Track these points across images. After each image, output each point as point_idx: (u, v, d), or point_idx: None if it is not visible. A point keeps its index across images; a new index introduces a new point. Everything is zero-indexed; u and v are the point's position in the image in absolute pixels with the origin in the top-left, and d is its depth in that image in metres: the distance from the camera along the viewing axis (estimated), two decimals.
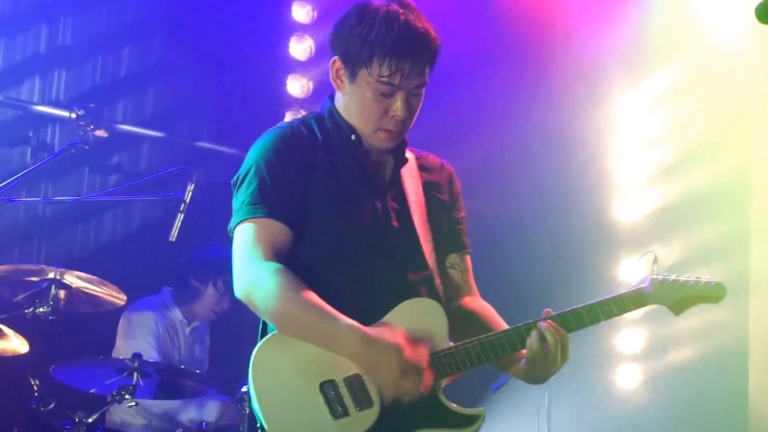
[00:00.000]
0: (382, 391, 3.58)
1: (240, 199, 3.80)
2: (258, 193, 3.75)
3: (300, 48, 9.00)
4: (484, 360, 3.74)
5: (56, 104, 8.09)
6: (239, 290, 3.69)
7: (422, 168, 4.10)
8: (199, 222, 7.35)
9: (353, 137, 3.89)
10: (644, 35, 8.61)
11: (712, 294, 3.91)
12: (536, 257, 8.75)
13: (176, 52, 8.76)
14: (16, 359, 6.37)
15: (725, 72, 8.30)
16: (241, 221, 3.75)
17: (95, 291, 6.47)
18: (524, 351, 3.80)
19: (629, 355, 8.73)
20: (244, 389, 6.13)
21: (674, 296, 3.91)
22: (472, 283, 4.19)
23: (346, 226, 3.79)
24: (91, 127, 6.47)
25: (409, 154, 4.05)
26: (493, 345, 3.75)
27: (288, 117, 8.69)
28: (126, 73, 8.53)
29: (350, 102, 3.88)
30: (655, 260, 7.86)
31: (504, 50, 8.91)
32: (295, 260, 3.74)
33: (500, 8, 8.83)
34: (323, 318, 3.57)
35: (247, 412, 6.11)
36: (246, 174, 3.83)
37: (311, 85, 8.98)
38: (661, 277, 3.92)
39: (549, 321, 3.76)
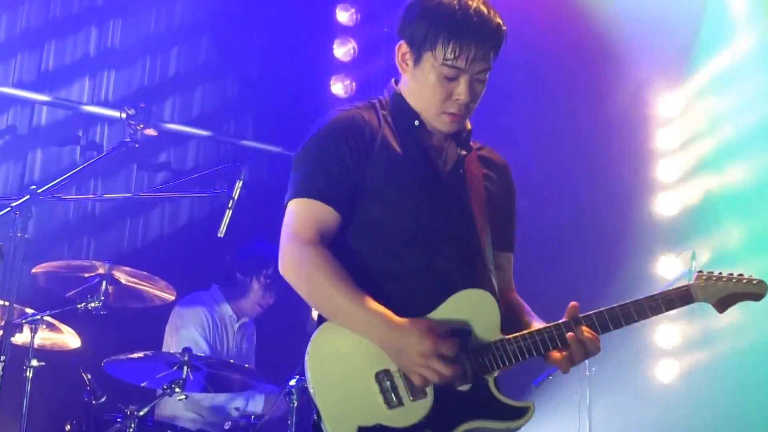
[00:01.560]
0: (408, 376, 3.59)
1: (294, 177, 3.84)
2: (311, 173, 3.77)
3: (343, 50, 9.12)
4: (527, 356, 3.72)
5: (105, 104, 8.21)
6: (281, 268, 3.74)
7: (483, 160, 4.08)
8: (244, 219, 7.36)
9: (417, 123, 3.89)
10: (682, 38, 8.69)
11: (754, 291, 3.89)
12: (576, 253, 8.83)
13: (222, 53, 8.90)
14: (69, 353, 6.53)
15: (757, 70, 8.37)
16: (291, 199, 3.79)
17: (145, 286, 6.55)
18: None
19: (667, 350, 8.83)
20: (292, 382, 6.19)
21: (718, 294, 3.87)
22: (512, 281, 4.18)
23: (409, 209, 3.79)
24: (141, 125, 6.57)
25: (472, 144, 4.04)
26: (536, 342, 3.73)
27: None
28: (173, 73, 8.66)
29: (414, 85, 3.87)
30: (694, 256, 7.99)
31: (549, 52, 8.97)
32: (355, 244, 3.79)
33: (550, 12, 8.87)
34: (353, 302, 3.60)
35: (296, 404, 6.17)
36: (303, 153, 3.85)
37: (354, 85, 9.06)
38: (705, 275, 3.88)
39: (585, 326, 3.74)
